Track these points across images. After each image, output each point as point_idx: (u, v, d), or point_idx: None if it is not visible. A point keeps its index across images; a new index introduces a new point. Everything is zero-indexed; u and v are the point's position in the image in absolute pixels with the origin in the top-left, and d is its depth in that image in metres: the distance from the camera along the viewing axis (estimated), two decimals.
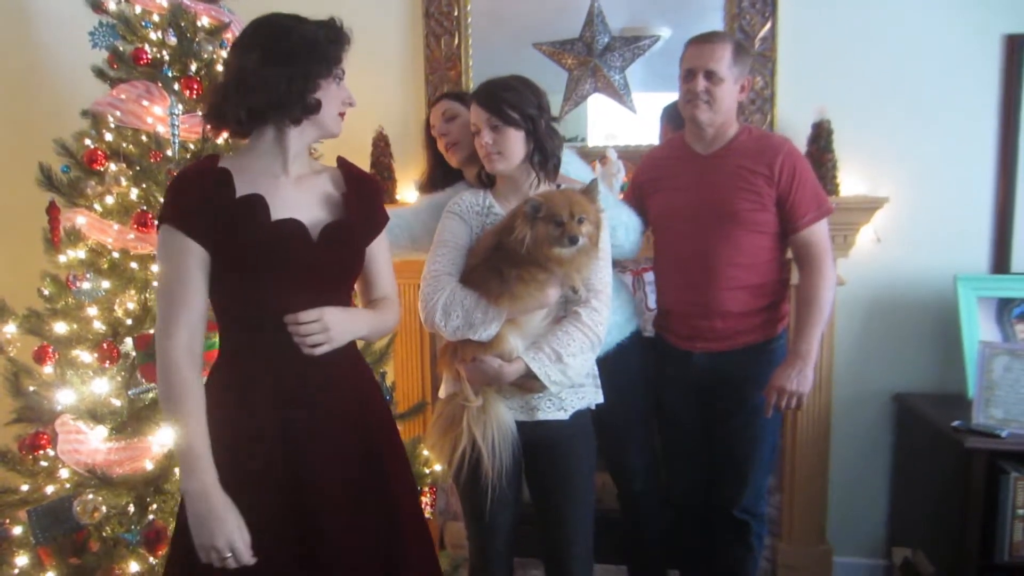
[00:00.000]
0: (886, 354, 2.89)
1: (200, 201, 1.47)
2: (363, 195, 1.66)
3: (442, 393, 1.97)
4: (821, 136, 2.72)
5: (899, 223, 2.78)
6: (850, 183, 2.78)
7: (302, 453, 1.52)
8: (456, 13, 2.96)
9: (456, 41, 2.98)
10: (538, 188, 1.90)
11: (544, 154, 1.88)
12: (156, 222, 1.50)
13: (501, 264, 1.77)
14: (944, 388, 2.81)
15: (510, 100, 1.84)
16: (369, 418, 1.65)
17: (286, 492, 1.49)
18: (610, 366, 2.05)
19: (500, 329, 1.78)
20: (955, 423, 2.45)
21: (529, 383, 1.81)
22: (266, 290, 1.51)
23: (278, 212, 1.50)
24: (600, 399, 1.97)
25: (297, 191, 1.57)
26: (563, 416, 1.88)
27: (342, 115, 1.60)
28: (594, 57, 2.85)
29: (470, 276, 1.83)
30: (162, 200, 1.50)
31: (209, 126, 1.61)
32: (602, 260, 1.87)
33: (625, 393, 2.16)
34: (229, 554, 1.41)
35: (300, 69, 1.48)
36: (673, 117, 2.71)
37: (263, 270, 1.50)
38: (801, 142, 2.75)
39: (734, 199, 2.14)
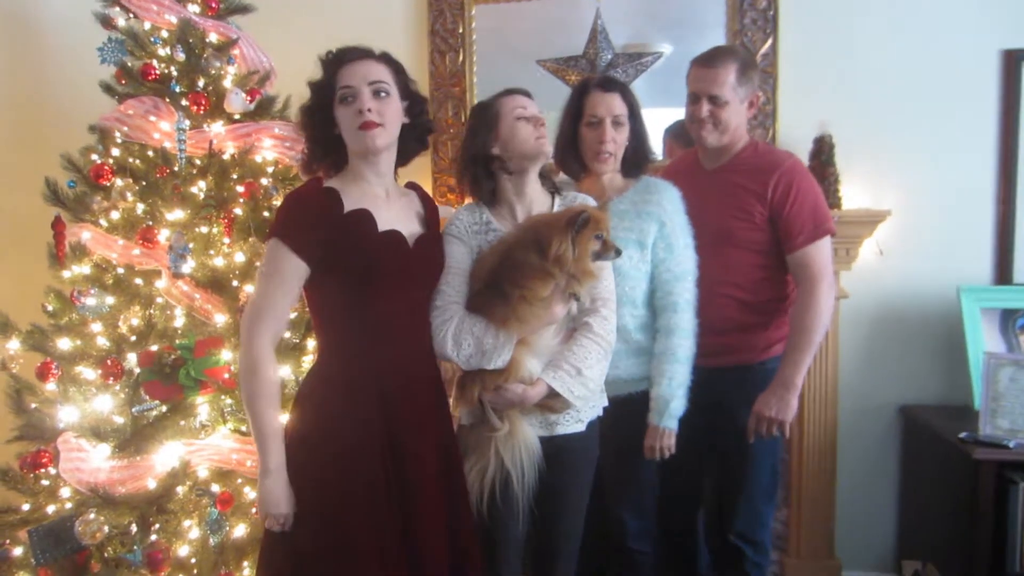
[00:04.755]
0: (891, 366, 2.90)
1: (309, 219, 1.65)
2: (433, 214, 1.88)
3: (464, 421, 1.94)
4: (823, 150, 2.75)
5: (901, 235, 2.80)
6: (852, 196, 2.80)
7: (401, 436, 1.70)
8: (461, 30, 2.99)
9: (461, 58, 3.01)
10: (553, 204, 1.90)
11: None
12: (267, 234, 1.74)
13: (503, 284, 1.77)
14: (950, 400, 2.81)
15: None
16: (445, 419, 1.85)
17: (389, 468, 1.68)
18: (623, 410, 1.99)
19: (514, 354, 1.77)
20: (962, 435, 2.45)
21: (551, 402, 1.81)
22: (370, 294, 1.69)
23: (382, 224, 1.70)
24: (606, 402, 1.96)
25: (394, 207, 1.77)
26: (580, 428, 1.89)
27: (363, 127, 1.67)
28: (597, 73, 2.87)
29: (475, 301, 1.82)
30: (274, 216, 1.82)
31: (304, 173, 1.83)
32: (608, 268, 1.88)
33: (631, 449, 2.05)
34: (283, 521, 1.66)
35: (311, 110, 1.73)
36: (679, 134, 2.73)
37: (369, 275, 1.68)
38: (803, 156, 2.77)
39: (727, 217, 2.14)
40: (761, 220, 2.13)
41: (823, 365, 2.81)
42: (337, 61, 1.71)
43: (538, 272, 1.74)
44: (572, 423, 1.87)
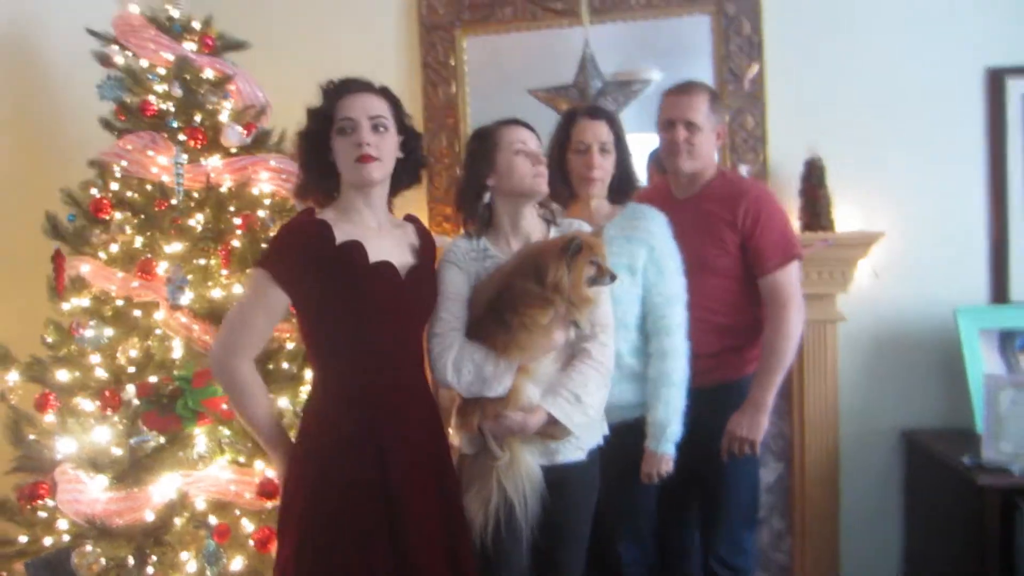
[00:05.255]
0: (892, 390, 2.87)
1: (296, 251, 1.68)
2: (429, 246, 1.88)
3: (465, 450, 1.92)
4: (813, 173, 2.76)
5: (896, 257, 2.80)
6: (845, 219, 2.80)
7: (393, 470, 1.68)
8: (453, 63, 3.06)
9: (453, 89, 3.06)
10: (548, 232, 1.92)
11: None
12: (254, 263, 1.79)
13: (503, 312, 1.77)
14: (952, 423, 2.78)
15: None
16: (440, 441, 1.83)
17: (378, 489, 1.67)
18: (618, 438, 1.98)
19: (515, 381, 1.77)
20: (965, 460, 2.42)
21: (551, 429, 1.79)
22: (362, 324, 1.69)
23: (373, 256, 1.70)
24: (606, 431, 1.95)
25: (386, 238, 1.78)
26: (581, 456, 1.87)
27: (361, 160, 1.69)
28: (587, 101, 2.89)
29: (475, 329, 1.82)
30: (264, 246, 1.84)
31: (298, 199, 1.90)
32: (604, 294, 1.88)
33: (627, 477, 2.05)
34: None
35: (308, 136, 1.75)
36: (659, 161, 2.75)
37: (360, 306, 1.69)
38: (794, 180, 2.79)
39: (700, 244, 2.17)
40: (733, 246, 2.18)
41: (823, 390, 2.80)
42: (338, 91, 1.74)
43: (537, 299, 1.74)
44: (573, 451, 1.86)
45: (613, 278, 1.80)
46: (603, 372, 1.82)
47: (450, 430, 1.94)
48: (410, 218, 1.93)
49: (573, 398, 1.77)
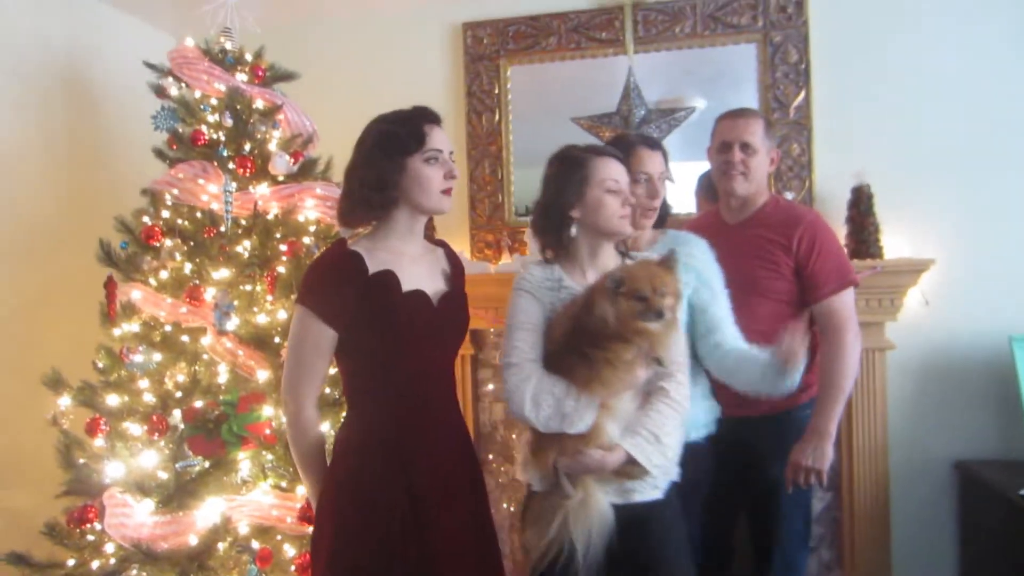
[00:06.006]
0: (943, 420, 2.80)
1: (333, 286, 1.66)
2: (459, 271, 1.88)
3: (536, 487, 1.82)
4: (861, 200, 2.73)
5: (947, 284, 2.75)
6: (894, 246, 2.76)
7: (424, 501, 1.67)
8: (497, 91, 3.08)
9: (497, 117, 3.09)
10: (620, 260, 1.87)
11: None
12: (295, 301, 1.76)
13: (583, 347, 1.69)
14: (1009, 454, 2.70)
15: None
16: (472, 468, 1.82)
17: (409, 516, 1.65)
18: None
19: (596, 418, 1.69)
20: (1022, 492, 2.34)
21: (628, 469, 1.70)
22: (396, 352, 1.69)
23: (406, 284, 1.69)
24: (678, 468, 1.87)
25: (419, 266, 1.77)
26: (658, 495, 1.78)
27: (446, 192, 1.71)
28: (631, 129, 2.90)
29: (553, 362, 1.73)
30: (301, 284, 1.75)
31: (342, 224, 1.81)
32: (678, 331, 1.79)
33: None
34: None
35: (374, 160, 1.69)
36: (708, 188, 2.74)
37: (395, 335, 1.68)
38: (841, 207, 2.76)
39: (752, 268, 2.15)
40: (787, 271, 2.15)
41: (872, 418, 2.74)
42: (428, 118, 1.71)
43: (617, 335, 1.67)
44: (649, 490, 1.76)
45: (659, 315, 1.67)
46: (680, 412, 1.74)
47: (517, 466, 1.89)
48: (439, 242, 1.92)
49: (652, 438, 1.69)
